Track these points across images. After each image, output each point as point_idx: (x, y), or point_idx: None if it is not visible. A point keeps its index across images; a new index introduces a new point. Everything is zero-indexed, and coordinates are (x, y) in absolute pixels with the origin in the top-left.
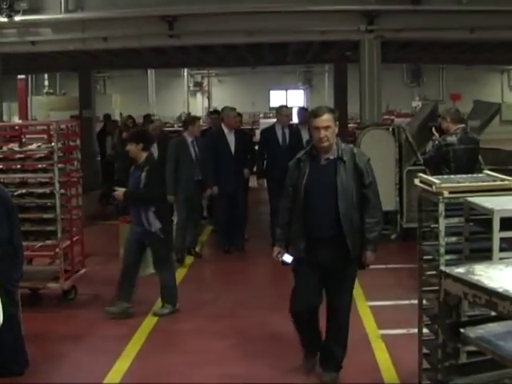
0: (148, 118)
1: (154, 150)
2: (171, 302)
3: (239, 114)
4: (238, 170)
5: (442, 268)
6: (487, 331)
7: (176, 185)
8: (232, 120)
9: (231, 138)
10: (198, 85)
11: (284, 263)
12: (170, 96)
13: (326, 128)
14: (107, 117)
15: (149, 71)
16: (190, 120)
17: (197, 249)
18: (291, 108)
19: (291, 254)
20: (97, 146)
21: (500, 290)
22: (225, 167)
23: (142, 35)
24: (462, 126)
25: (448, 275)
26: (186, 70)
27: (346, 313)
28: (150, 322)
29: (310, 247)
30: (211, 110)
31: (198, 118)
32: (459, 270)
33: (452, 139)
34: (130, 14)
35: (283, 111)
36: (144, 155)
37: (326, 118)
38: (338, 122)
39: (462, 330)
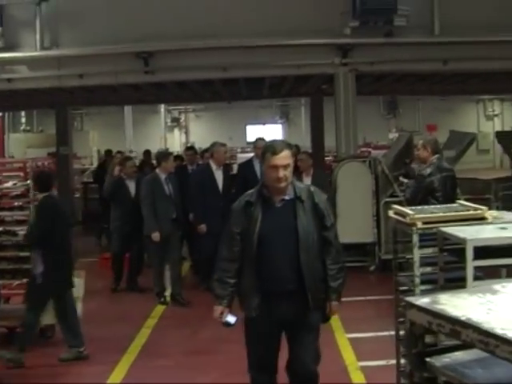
0: (148, 153)
1: (132, 187)
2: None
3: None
4: (225, 208)
5: (407, 298)
6: (453, 359)
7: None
8: (222, 156)
9: (219, 175)
10: (176, 120)
11: (227, 324)
12: (148, 132)
13: (286, 167)
14: (108, 152)
15: (125, 108)
16: (162, 156)
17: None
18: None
19: (235, 314)
20: (73, 183)
21: (463, 318)
22: (213, 205)
23: (118, 72)
24: (437, 156)
25: (412, 305)
26: (163, 105)
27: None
28: (128, 358)
29: (264, 303)
30: (188, 145)
31: (171, 154)
32: (424, 300)
33: (431, 169)
34: (105, 50)
35: (259, 144)
36: (40, 196)
37: (284, 155)
38: (293, 159)
39: (427, 360)
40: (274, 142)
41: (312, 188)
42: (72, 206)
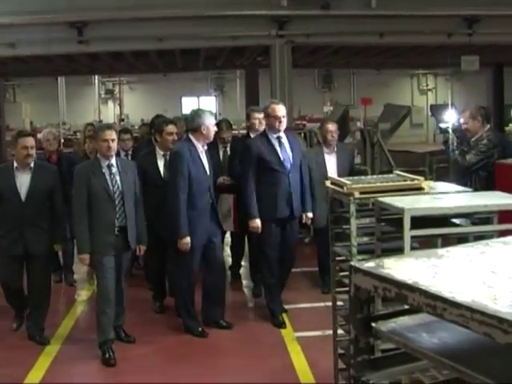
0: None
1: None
2: None
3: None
4: None
5: (352, 263)
6: (399, 324)
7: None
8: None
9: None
10: (110, 92)
11: None
12: (82, 104)
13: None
14: None
15: (59, 80)
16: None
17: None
18: None
19: None
20: (6, 155)
21: (409, 281)
22: None
23: (51, 41)
24: (490, 126)
25: (358, 269)
26: (96, 77)
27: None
28: None
29: None
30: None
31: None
32: (369, 265)
33: (494, 140)
34: (38, 20)
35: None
36: None
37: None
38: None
39: (373, 325)
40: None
41: None
42: None
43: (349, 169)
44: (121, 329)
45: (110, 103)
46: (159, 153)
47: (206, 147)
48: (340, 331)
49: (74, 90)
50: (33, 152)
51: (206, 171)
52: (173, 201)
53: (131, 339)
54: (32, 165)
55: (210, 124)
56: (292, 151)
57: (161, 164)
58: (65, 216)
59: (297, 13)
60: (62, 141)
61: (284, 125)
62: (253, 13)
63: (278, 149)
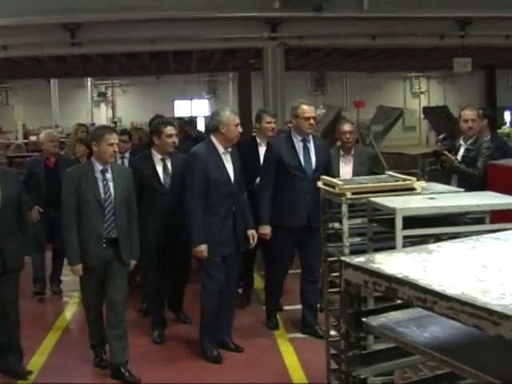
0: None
1: None
2: None
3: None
4: None
5: (343, 258)
6: (389, 319)
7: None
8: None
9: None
10: (102, 95)
11: None
12: (74, 107)
13: None
14: None
15: (52, 82)
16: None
17: None
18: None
19: None
20: None
21: (399, 275)
22: None
23: (44, 43)
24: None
25: (348, 264)
26: (89, 80)
27: None
28: None
29: None
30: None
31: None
32: (359, 259)
33: (493, 142)
34: (31, 21)
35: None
36: None
37: None
38: None
39: (364, 319)
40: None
41: None
42: None
43: (368, 175)
44: (125, 368)
45: (103, 106)
46: (157, 156)
47: (230, 149)
48: (332, 332)
49: (66, 92)
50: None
51: (228, 175)
52: (187, 204)
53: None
54: None
55: (230, 123)
56: (317, 157)
57: (159, 169)
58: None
59: (289, 15)
60: None
61: (313, 127)
62: (245, 15)
63: (300, 153)
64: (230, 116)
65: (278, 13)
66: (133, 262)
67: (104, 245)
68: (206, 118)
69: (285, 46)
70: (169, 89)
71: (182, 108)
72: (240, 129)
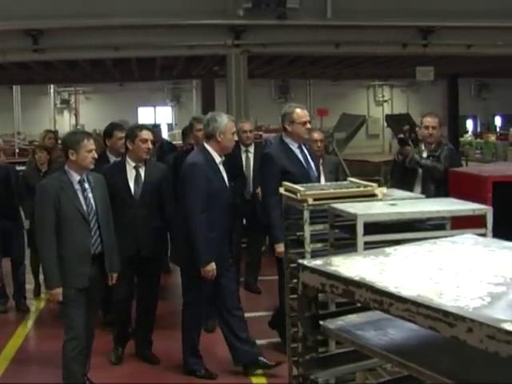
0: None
1: None
2: None
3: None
4: None
5: (300, 261)
6: (347, 322)
7: None
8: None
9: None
10: (65, 102)
11: None
12: (37, 114)
13: None
14: None
15: (14, 88)
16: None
17: None
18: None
19: None
20: None
21: (356, 278)
22: None
23: (6, 50)
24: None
25: (305, 267)
26: (52, 87)
27: None
28: None
29: None
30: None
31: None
32: (317, 262)
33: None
34: None
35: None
36: None
37: None
38: None
39: (321, 322)
40: None
41: None
42: None
43: None
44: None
45: (66, 113)
46: (130, 164)
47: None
48: None
49: (29, 99)
50: None
51: (226, 185)
52: (190, 221)
53: None
54: None
55: (227, 131)
56: (314, 162)
57: (131, 177)
58: None
59: (253, 22)
60: (17, 150)
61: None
62: (209, 22)
63: (302, 160)
64: (228, 123)
65: (241, 20)
66: (115, 276)
67: (91, 261)
68: (169, 125)
69: (248, 54)
70: (132, 96)
71: (146, 115)
72: (236, 137)
